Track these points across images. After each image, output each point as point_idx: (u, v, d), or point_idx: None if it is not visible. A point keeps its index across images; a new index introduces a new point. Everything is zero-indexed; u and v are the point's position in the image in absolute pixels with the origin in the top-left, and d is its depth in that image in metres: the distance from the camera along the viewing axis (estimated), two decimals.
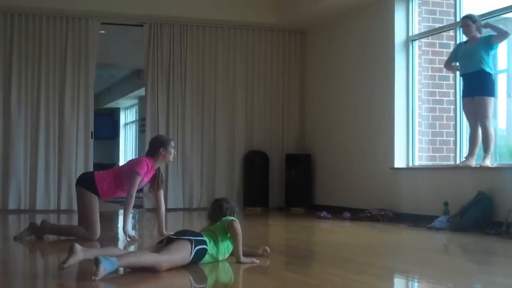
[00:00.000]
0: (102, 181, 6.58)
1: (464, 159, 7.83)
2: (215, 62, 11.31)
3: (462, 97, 7.86)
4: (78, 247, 4.41)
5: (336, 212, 9.51)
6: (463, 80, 7.85)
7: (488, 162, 7.53)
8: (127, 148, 23.01)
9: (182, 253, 4.55)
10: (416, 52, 9.34)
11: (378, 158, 9.53)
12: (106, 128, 22.21)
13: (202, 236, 4.76)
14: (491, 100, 7.52)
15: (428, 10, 9.58)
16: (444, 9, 9.50)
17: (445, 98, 9.48)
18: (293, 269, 5.00)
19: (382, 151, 9.43)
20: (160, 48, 10.98)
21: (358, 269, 4.80)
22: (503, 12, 7.89)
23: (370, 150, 9.77)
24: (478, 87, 7.54)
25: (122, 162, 22.59)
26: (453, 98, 8.57)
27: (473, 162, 7.70)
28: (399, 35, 9.33)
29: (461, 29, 8.31)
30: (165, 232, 6.60)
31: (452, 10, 8.71)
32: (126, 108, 23.02)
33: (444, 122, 9.49)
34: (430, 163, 9.34)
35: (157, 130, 10.86)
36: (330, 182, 10.58)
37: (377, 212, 8.81)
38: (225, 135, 11.23)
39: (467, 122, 7.90)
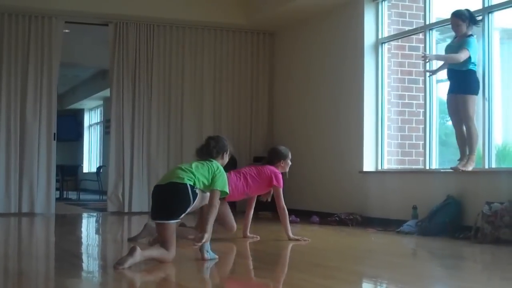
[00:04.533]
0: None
1: (458, 161, 7.63)
2: (182, 63, 11.28)
3: (448, 93, 7.67)
4: (138, 249, 4.63)
5: (305, 216, 9.53)
6: (448, 75, 7.65)
7: (470, 166, 7.40)
8: (91, 150, 22.85)
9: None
10: (386, 55, 9.40)
11: (347, 162, 9.57)
12: (70, 130, 22.05)
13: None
14: (473, 99, 7.38)
15: (398, 13, 9.65)
16: (414, 12, 9.58)
17: (414, 102, 9.56)
18: (260, 274, 5.00)
19: (351, 155, 9.48)
20: (126, 48, 10.92)
21: (327, 274, 4.80)
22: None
23: (339, 153, 9.81)
24: (461, 85, 7.44)
25: (86, 164, 22.48)
26: (423, 102, 8.64)
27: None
28: (369, 38, 9.39)
29: (429, 32, 8.41)
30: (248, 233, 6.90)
31: (422, 13, 8.79)
32: (90, 109, 22.87)
33: (414, 125, 9.56)
34: (399, 166, 9.41)
35: (122, 132, 10.80)
36: (298, 185, 10.59)
37: (345, 216, 8.85)
38: (192, 137, 11.18)
39: (451, 121, 7.76)
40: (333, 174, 9.90)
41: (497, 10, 7.67)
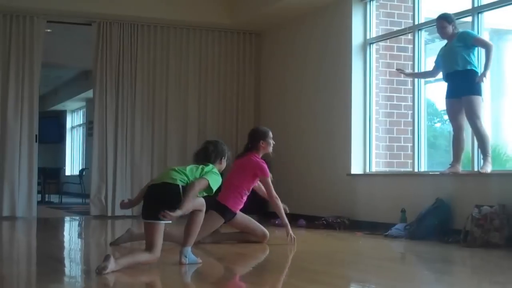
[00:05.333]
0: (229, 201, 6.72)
1: (449, 165, 7.55)
2: (166, 63, 11.25)
3: (446, 98, 7.54)
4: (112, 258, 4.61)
5: (291, 219, 9.48)
6: (447, 80, 7.53)
7: (488, 168, 7.16)
8: (73, 153, 22.78)
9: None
10: (374, 55, 9.42)
11: (335, 164, 9.58)
12: (52, 131, 21.95)
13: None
14: (478, 99, 7.24)
15: (386, 13, 9.68)
16: (403, 12, 9.61)
17: (403, 103, 9.58)
18: (247, 279, 4.99)
19: (339, 157, 9.49)
20: (109, 48, 10.88)
21: (314, 278, 4.80)
22: (461, 16, 7.99)
23: (326, 155, 9.82)
24: (464, 87, 7.26)
25: (68, 167, 22.39)
26: (411, 103, 8.66)
27: (460, 168, 7.48)
28: (357, 38, 9.40)
29: (418, 32, 8.43)
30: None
31: (411, 13, 8.81)
32: (73, 111, 22.80)
33: (402, 127, 9.58)
34: (387, 169, 9.43)
35: (105, 134, 10.76)
36: (285, 188, 10.56)
37: (333, 219, 8.85)
38: (176, 139, 11.17)
39: (451, 126, 7.63)
40: (320, 177, 9.90)
41: (487, 10, 7.70)
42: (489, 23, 9.05)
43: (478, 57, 7.39)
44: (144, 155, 11.00)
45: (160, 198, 5.01)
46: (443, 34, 7.51)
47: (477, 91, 7.26)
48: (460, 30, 7.50)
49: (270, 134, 6.93)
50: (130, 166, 10.90)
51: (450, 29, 7.42)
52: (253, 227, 6.85)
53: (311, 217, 9.31)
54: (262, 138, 6.88)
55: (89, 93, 13.94)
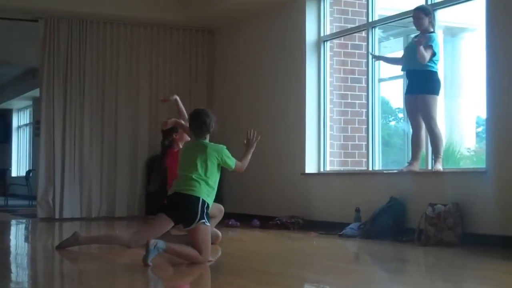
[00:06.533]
0: None
1: (407, 163, 7.66)
2: (116, 61, 11.16)
3: (405, 94, 7.63)
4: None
5: (245, 220, 9.55)
6: (407, 76, 7.62)
7: (439, 166, 7.31)
8: (20, 153, 22.48)
9: (208, 236, 5.41)
10: (328, 53, 9.48)
11: (289, 164, 9.62)
12: None
13: (204, 210, 5.39)
14: (434, 99, 7.36)
15: (340, 10, 9.76)
16: (357, 9, 9.70)
17: (357, 101, 9.68)
18: (198, 282, 4.99)
19: (293, 156, 9.53)
20: (57, 46, 10.76)
21: (268, 280, 4.82)
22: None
23: (280, 155, 9.85)
24: (421, 84, 7.37)
25: (14, 168, 22.10)
26: (365, 101, 8.74)
27: (418, 167, 7.59)
28: (310, 35, 9.45)
29: (372, 30, 8.51)
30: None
31: (364, 11, 8.88)
32: (19, 110, 22.49)
33: (356, 126, 9.68)
34: (342, 168, 9.50)
35: (52, 134, 10.63)
36: (239, 188, 10.61)
37: (287, 219, 8.89)
38: (127, 139, 11.09)
39: (409, 123, 7.71)
40: (274, 176, 9.93)
41: (441, 8, 7.79)
42: (443, 21, 9.19)
43: (440, 58, 7.48)
44: (94, 155, 10.90)
45: (181, 207, 5.46)
46: (418, 25, 7.49)
47: (433, 90, 7.36)
48: (431, 33, 7.44)
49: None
50: (79, 167, 10.79)
51: (426, 21, 7.41)
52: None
53: (265, 217, 9.33)
54: (175, 131, 7.06)
55: (36, 92, 13.75)
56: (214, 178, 5.57)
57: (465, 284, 4.89)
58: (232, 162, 5.69)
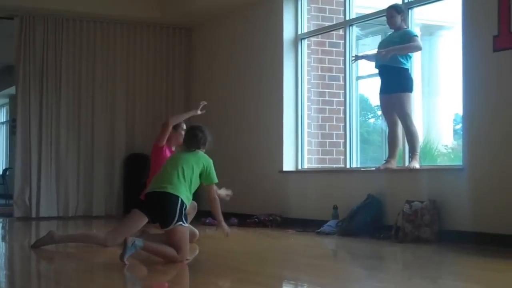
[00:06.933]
0: None
1: (384, 161, 7.71)
2: (93, 59, 11.10)
3: (379, 93, 7.66)
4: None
5: (223, 218, 9.52)
6: (380, 73, 7.64)
7: (416, 164, 7.36)
8: None
9: (186, 236, 5.42)
10: (305, 51, 9.49)
11: (267, 161, 9.62)
12: None
13: (182, 211, 5.40)
14: (408, 96, 7.40)
15: (318, 8, 9.78)
16: (334, 7, 9.73)
17: (335, 99, 9.71)
18: (175, 280, 4.99)
19: (271, 154, 9.53)
20: (33, 43, 10.68)
21: (243, 278, 4.82)
22: None
23: (258, 152, 9.85)
24: (395, 83, 7.42)
25: None
26: (343, 99, 8.76)
27: (395, 164, 7.63)
28: (288, 33, 9.45)
29: (349, 28, 8.54)
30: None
31: (342, 9, 8.91)
32: None
33: (334, 123, 9.71)
34: (319, 166, 9.52)
35: (29, 132, 10.56)
36: (217, 186, 10.57)
37: (265, 217, 8.91)
38: (104, 137, 11.03)
39: (385, 122, 7.76)
40: (252, 174, 9.93)
41: (417, 6, 7.84)
42: (421, 19, 9.23)
43: (411, 56, 7.52)
44: (70, 153, 10.84)
45: (160, 207, 5.45)
46: (390, 23, 7.56)
47: (408, 88, 7.42)
48: (407, 28, 7.54)
49: (182, 126, 7.29)
50: (56, 165, 10.73)
51: (398, 19, 7.48)
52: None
53: (243, 215, 9.33)
54: (172, 128, 7.22)
55: (12, 90, 13.65)
56: (194, 185, 5.64)
57: (441, 281, 4.92)
58: (215, 177, 5.79)
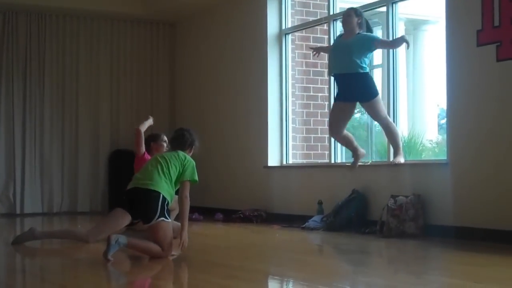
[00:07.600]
0: None
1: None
2: (76, 56, 11.05)
3: (336, 100, 7.34)
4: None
5: (208, 213, 9.55)
6: (337, 80, 7.35)
7: (401, 159, 7.17)
8: None
9: (170, 231, 5.40)
10: (290, 46, 9.49)
11: (252, 157, 9.62)
12: None
13: (164, 207, 5.42)
14: (379, 99, 7.17)
15: (302, 3, 9.78)
16: (318, 2, 9.73)
17: (319, 94, 9.71)
18: (159, 275, 4.98)
19: (256, 149, 9.53)
20: (16, 40, 10.61)
21: (229, 274, 4.82)
22: (377, 6, 8.13)
23: (243, 148, 9.85)
24: (361, 92, 7.11)
25: None
26: (328, 94, 8.77)
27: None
28: (272, 28, 9.44)
29: (333, 23, 8.55)
30: None
31: (326, 4, 8.90)
32: None
33: (319, 118, 9.72)
34: (304, 161, 9.53)
35: (12, 128, 10.51)
36: (202, 182, 10.47)
37: (250, 212, 8.91)
38: (88, 134, 11.00)
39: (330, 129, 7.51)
40: (237, 170, 9.94)
41: (401, 0, 7.84)
42: (405, 14, 9.26)
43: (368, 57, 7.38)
44: (54, 150, 10.80)
45: (140, 203, 5.46)
46: (345, 23, 7.26)
47: (376, 92, 7.17)
48: (363, 32, 7.26)
49: (162, 137, 7.54)
50: (40, 161, 10.68)
51: (354, 21, 7.20)
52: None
53: (228, 211, 9.34)
54: (153, 140, 7.51)
55: None
56: (176, 181, 5.60)
57: (426, 276, 4.93)
58: (192, 175, 5.66)
